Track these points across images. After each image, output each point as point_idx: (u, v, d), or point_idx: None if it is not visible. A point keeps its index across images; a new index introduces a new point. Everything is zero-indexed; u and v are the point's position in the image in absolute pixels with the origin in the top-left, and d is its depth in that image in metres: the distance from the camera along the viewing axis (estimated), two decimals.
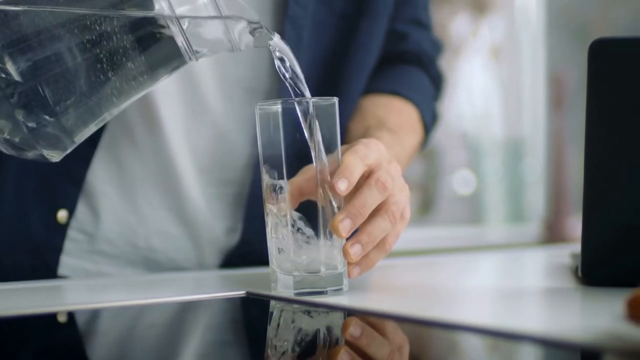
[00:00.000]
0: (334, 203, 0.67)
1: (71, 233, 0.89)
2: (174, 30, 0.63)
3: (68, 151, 0.66)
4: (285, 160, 0.66)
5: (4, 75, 0.60)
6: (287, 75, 0.68)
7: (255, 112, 0.68)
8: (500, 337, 0.51)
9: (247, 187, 0.91)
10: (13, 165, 0.87)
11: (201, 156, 0.90)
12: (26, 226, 0.87)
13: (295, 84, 0.68)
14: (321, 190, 0.66)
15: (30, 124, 0.61)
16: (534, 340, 0.49)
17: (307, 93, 0.68)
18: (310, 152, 0.67)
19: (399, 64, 1.02)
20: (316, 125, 0.66)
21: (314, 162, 0.66)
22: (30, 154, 0.64)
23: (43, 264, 0.88)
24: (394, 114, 0.95)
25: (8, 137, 0.62)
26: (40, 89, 0.61)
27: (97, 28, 0.61)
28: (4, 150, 0.64)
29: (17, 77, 0.60)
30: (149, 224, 0.90)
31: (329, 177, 0.66)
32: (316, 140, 0.66)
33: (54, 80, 0.61)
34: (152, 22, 0.62)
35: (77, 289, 0.82)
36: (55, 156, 0.65)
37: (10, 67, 0.60)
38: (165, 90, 0.88)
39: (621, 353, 0.44)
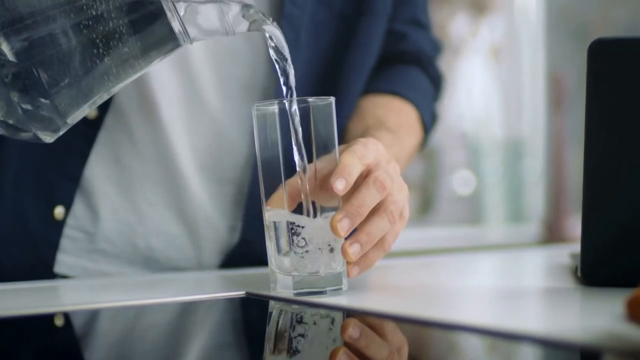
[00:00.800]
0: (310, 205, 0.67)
1: (71, 232, 0.89)
2: (168, 13, 0.62)
3: (61, 132, 0.65)
4: (283, 161, 0.66)
5: None
6: (279, 67, 0.68)
7: (253, 112, 0.68)
8: (500, 337, 0.51)
9: (246, 186, 0.91)
10: (12, 161, 0.87)
11: (200, 154, 0.90)
12: (24, 223, 0.88)
13: (286, 76, 0.68)
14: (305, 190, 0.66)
15: (25, 106, 0.61)
16: (533, 340, 0.49)
17: (294, 87, 0.68)
18: (310, 152, 0.67)
19: (398, 64, 1.02)
20: (298, 123, 0.66)
21: (295, 160, 0.67)
22: (24, 135, 0.63)
23: (41, 262, 0.88)
24: (393, 114, 0.95)
25: (2, 118, 0.62)
26: (34, 70, 0.60)
27: (93, 9, 0.61)
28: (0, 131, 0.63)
29: (11, 57, 0.60)
30: (149, 223, 0.90)
31: (305, 179, 0.67)
32: (298, 139, 0.66)
33: (49, 61, 0.61)
34: (147, 4, 0.62)
35: (77, 289, 0.82)
36: (48, 137, 0.65)
37: (5, 47, 0.60)
38: (164, 89, 0.88)
39: (621, 353, 0.44)
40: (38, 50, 0.60)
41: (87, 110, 0.65)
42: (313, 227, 0.66)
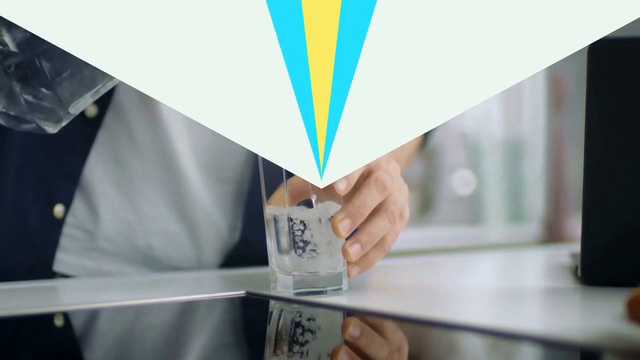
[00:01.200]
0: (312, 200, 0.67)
1: (70, 230, 0.89)
2: None
3: (64, 123, 0.65)
4: None
5: (0, 47, 0.59)
6: None
7: None
8: (500, 337, 0.51)
9: (246, 185, 0.91)
10: (13, 159, 0.87)
11: (201, 153, 0.90)
12: (24, 221, 0.88)
13: None
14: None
15: (27, 96, 0.61)
16: (533, 340, 0.49)
17: None
18: None
19: None
20: None
21: None
22: (26, 126, 0.63)
23: (41, 261, 0.88)
24: None
25: (4, 109, 0.62)
26: (37, 61, 0.60)
27: None
28: (2, 122, 0.63)
29: (13, 48, 0.60)
30: (149, 222, 0.90)
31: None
32: None
33: (51, 52, 0.61)
34: None
35: (76, 288, 0.82)
36: (51, 128, 0.65)
37: (7, 38, 0.60)
38: None
39: (621, 353, 0.44)
40: (40, 41, 0.60)
41: (90, 99, 0.65)
42: (314, 226, 0.66)
